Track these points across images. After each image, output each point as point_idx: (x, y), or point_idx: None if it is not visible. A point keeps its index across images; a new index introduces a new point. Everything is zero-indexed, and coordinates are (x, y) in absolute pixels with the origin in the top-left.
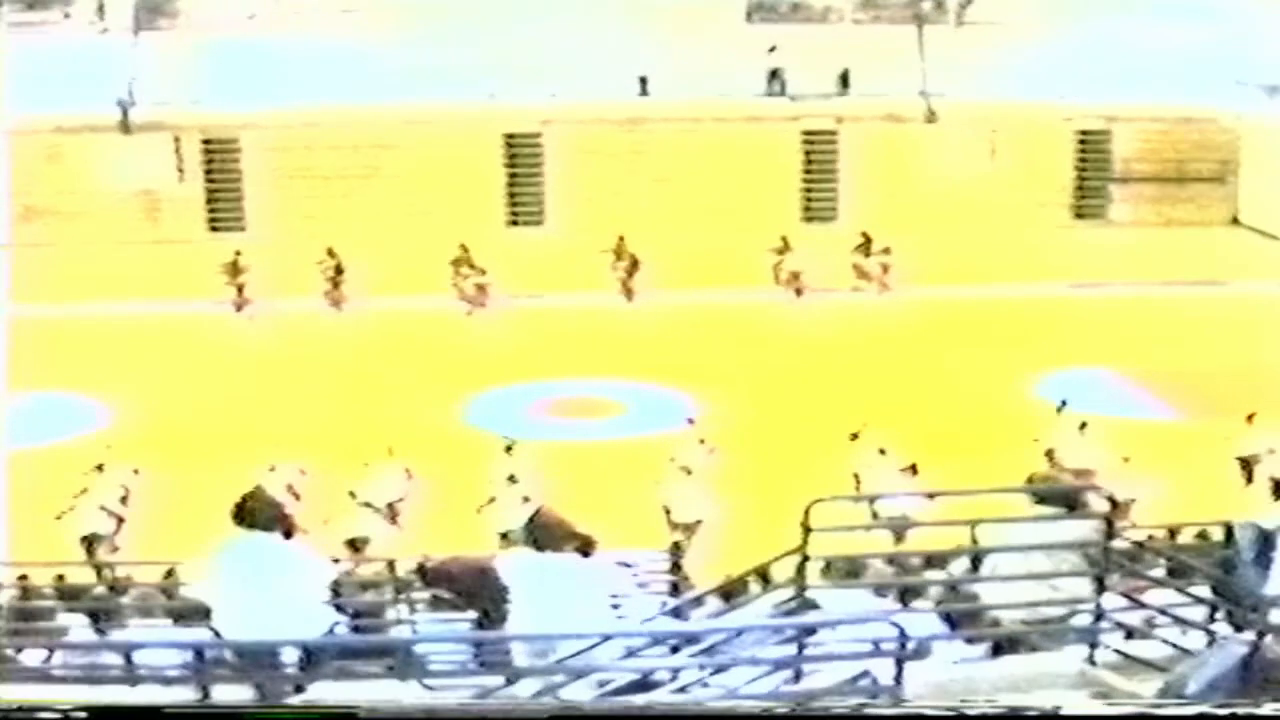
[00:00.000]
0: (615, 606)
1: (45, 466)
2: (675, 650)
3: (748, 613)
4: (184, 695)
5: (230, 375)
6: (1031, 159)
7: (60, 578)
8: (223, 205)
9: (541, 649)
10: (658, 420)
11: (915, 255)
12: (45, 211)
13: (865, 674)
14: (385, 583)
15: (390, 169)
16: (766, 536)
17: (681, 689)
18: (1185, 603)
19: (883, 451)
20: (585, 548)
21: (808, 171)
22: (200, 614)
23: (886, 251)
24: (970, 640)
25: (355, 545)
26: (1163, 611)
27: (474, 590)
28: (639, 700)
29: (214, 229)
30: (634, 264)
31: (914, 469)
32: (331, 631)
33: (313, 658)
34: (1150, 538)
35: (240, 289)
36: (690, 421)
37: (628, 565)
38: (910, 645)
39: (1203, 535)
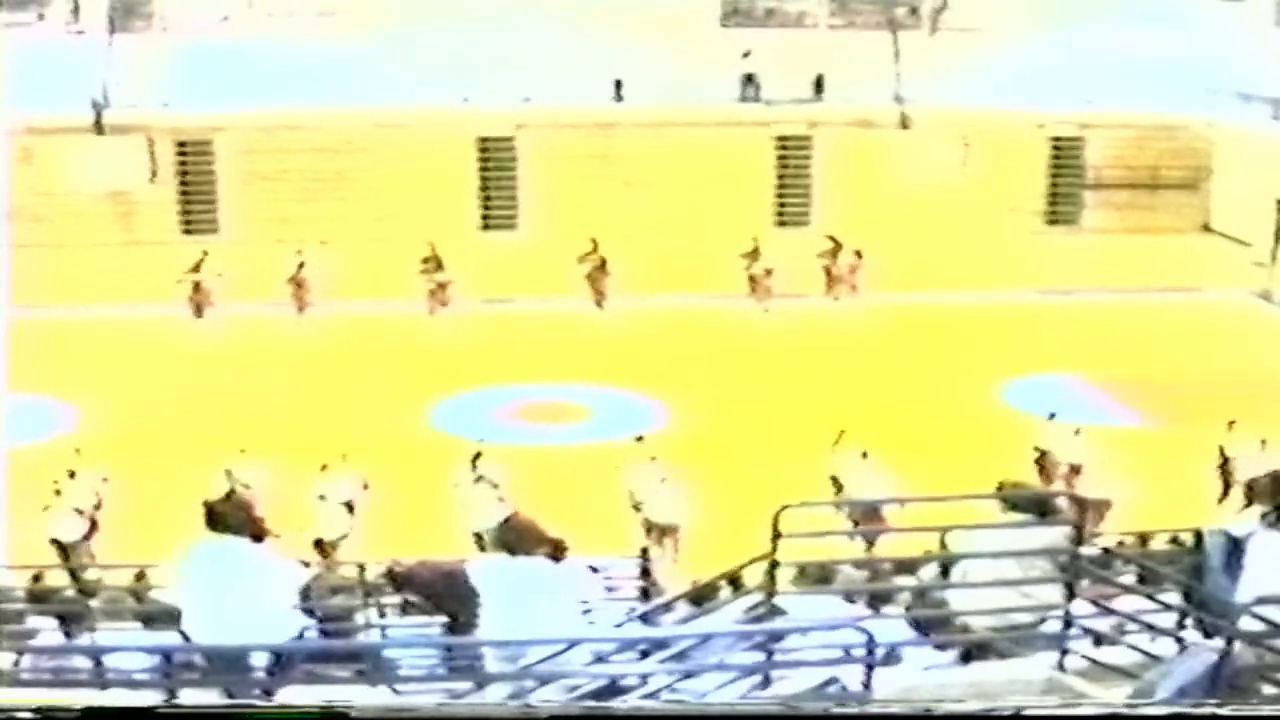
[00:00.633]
0: (586, 611)
1: (13, 470)
2: (645, 656)
3: (717, 618)
4: (153, 699)
5: (200, 379)
6: (1004, 165)
7: (38, 578)
8: (196, 207)
9: (511, 654)
10: (623, 426)
11: (888, 260)
12: (17, 213)
13: (834, 680)
14: (355, 587)
15: (364, 172)
16: (737, 541)
17: (651, 694)
18: (1155, 609)
19: (865, 455)
20: (556, 552)
21: (781, 176)
22: (170, 618)
23: (857, 255)
24: (940, 646)
25: (324, 548)
26: (1132, 618)
27: (444, 594)
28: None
29: (187, 231)
30: (602, 266)
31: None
32: (301, 636)
33: (282, 662)
34: (1120, 544)
35: (197, 287)
36: (639, 439)
37: (598, 570)
38: (879, 651)
39: (1175, 541)
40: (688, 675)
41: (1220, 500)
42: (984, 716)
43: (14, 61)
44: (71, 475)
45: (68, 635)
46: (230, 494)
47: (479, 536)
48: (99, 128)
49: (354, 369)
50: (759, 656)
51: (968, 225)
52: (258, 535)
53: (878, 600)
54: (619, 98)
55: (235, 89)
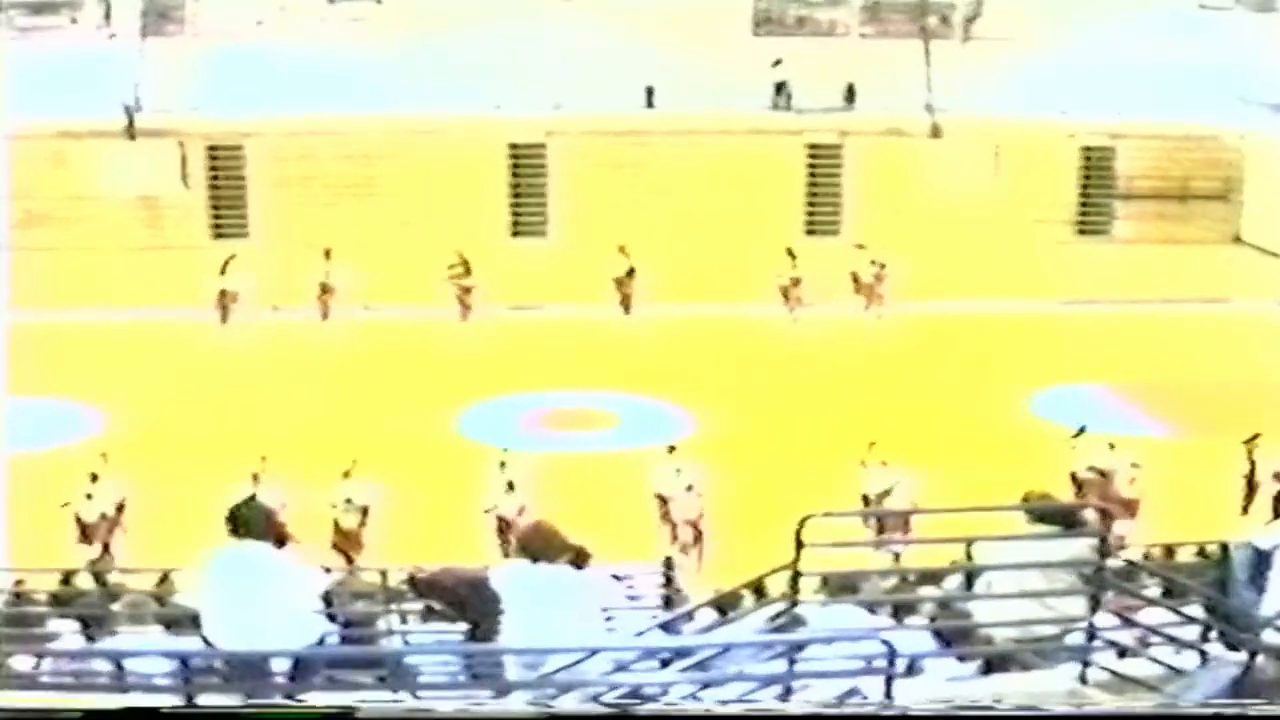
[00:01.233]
0: (608, 619)
1: (42, 472)
2: (666, 664)
3: (739, 627)
4: (174, 703)
5: (229, 383)
6: (1035, 175)
7: (66, 580)
8: (226, 212)
9: (532, 661)
10: (651, 434)
11: (917, 270)
12: (49, 216)
13: (854, 691)
14: (377, 593)
15: (395, 178)
16: (763, 550)
17: (671, 704)
18: (1179, 622)
19: (884, 464)
20: (579, 560)
21: (812, 185)
22: (192, 622)
23: (883, 265)
24: (962, 658)
25: (345, 546)
26: (1156, 631)
27: (466, 601)
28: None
29: (217, 236)
30: (630, 273)
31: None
32: (322, 641)
33: (303, 667)
34: (1146, 556)
35: (224, 292)
36: (671, 449)
37: (621, 578)
38: (900, 662)
39: (1202, 553)
40: (709, 684)
41: (1244, 510)
42: (1008, 717)
43: (46, 65)
44: (94, 479)
45: (89, 639)
46: (253, 499)
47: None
48: (131, 132)
49: (382, 375)
50: (781, 666)
51: (998, 235)
52: (280, 540)
53: (901, 611)
54: (650, 105)
55: (267, 94)
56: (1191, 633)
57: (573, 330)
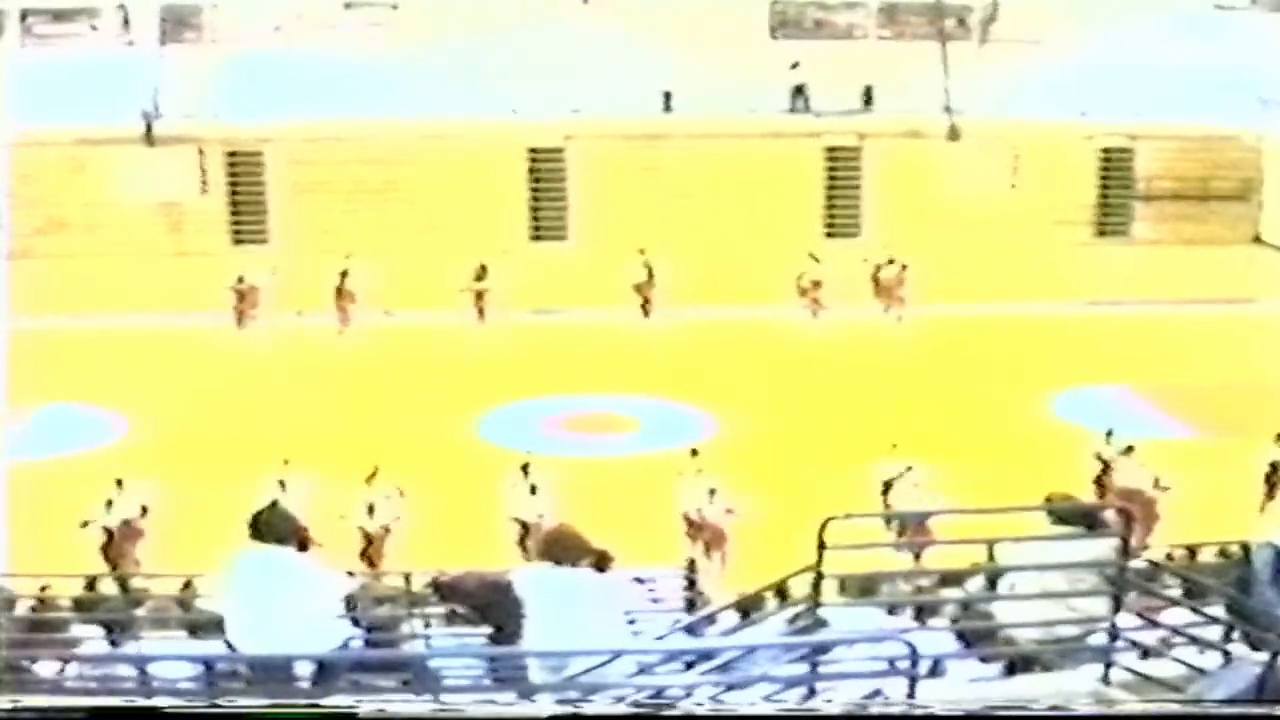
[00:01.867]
0: (631, 623)
1: (64, 478)
2: (689, 667)
3: (761, 630)
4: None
5: (250, 389)
6: (1054, 176)
7: (91, 585)
8: (246, 218)
9: (555, 664)
10: (672, 437)
11: (937, 272)
12: (69, 223)
13: (877, 693)
14: (400, 597)
15: (414, 183)
16: (786, 552)
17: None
18: (1201, 622)
19: (909, 468)
20: (601, 563)
21: (830, 188)
22: (216, 627)
23: (904, 267)
24: (984, 659)
25: (370, 558)
26: (1178, 631)
27: (488, 605)
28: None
29: (237, 242)
30: (650, 277)
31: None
32: (346, 646)
33: (326, 671)
34: (1168, 557)
35: (242, 297)
36: (694, 452)
37: (643, 581)
38: (923, 664)
39: (1224, 554)
40: (732, 687)
41: (1262, 509)
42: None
43: (66, 72)
44: (119, 484)
45: (113, 644)
46: (275, 504)
47: (523, 533)
48: (150, 139)
49: (403, 379)
50: (803, 668)
51: (1017, 236)
52: (303, 545)
53: (924, 612)
54: (668, 109)
55: (285, 100)
56: (1214, 633)
57: (593, 334)
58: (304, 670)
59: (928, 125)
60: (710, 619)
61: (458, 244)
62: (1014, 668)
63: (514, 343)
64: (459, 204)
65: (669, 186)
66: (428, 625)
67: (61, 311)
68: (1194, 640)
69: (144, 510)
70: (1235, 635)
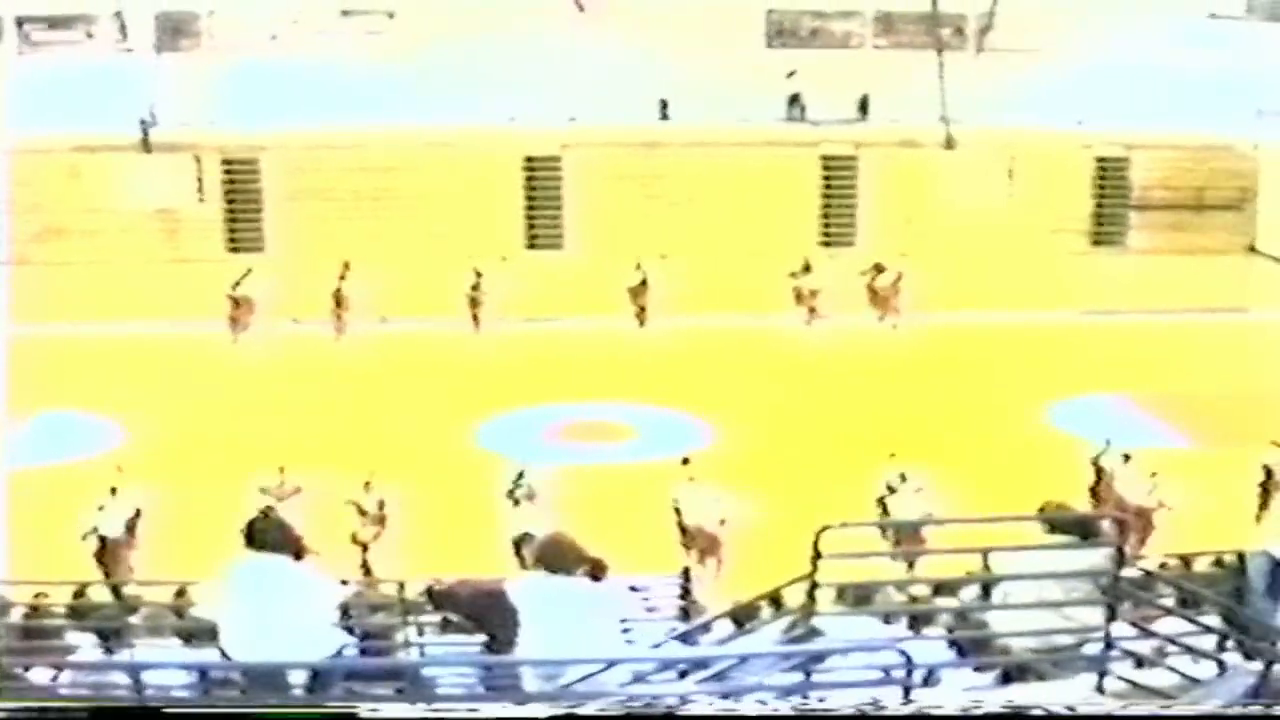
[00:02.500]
0: (625, 631)
1: (60, 485)
2: (683, 676)
3: (756, 639)
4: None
5: (246, 396)
6: (1050, 186)
7: (80, 594)
8: (242, 225)
9: (550, 673)
10: (669, 445)
11: (933, 280)
12: (65, 230)
13: (873, 702)
14: (395, 605)
15: (410, 191)
16: (782, 561)
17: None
18: (1196, 631)
19: (903, 477)
20: (596, 571)
21: (826, 196)
22: (210, 634)
23: (899, 276)
24: (979, 668)
25: (365, 565)
26: (1173, 640)
27: (483, 613)
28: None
29: (233, 249)
30: (644, 284)
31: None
32: (340, 653)
33: (320, 679)
34: (1163, 566)
35: (238, 304)
36: (685, 461)
37: (638, 589)
38: (918, 673)
39: (1219, 563)
40: (726, 696)
41: (1258, 519)
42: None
43: (62, 79)
44: (113, 492)
45: (107, 651)
46: (269, 512)
47: (517, 544)
48: (146, 146)
49: (400, 387)
50: (798, 677)
51: (1013, 245)
52: (297, 553)
53: (918, 621)
54: (665, 117)
55: (282, 108)
56: (1208, 642)
57: (589, 342)
58: (298, 678)
59: (924, 134)
60: (705, 628)
61: (454, 252)
62: (1009, 677)
63: (510, 351)
64: (455, 212)
65: (665, 195)
66: (422, 633)
67: (58, 318)
68: (1189, 650)
69: (138, 517)
70: (1230, 644)
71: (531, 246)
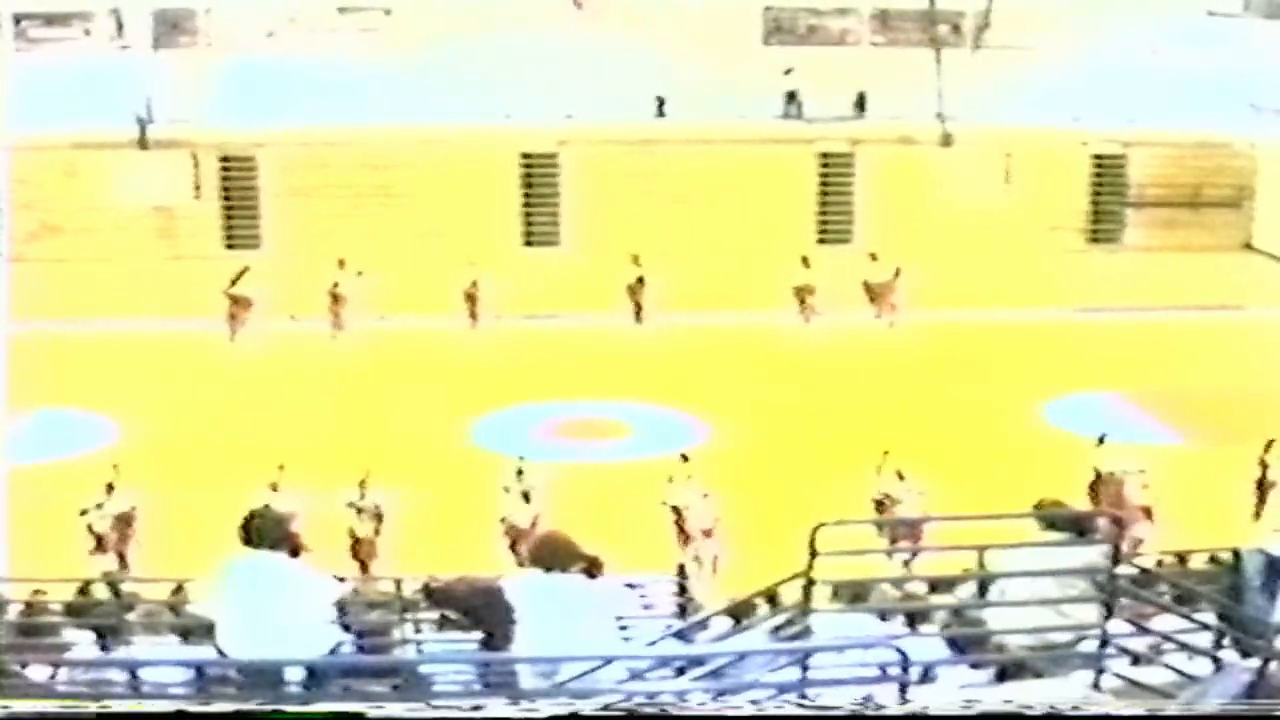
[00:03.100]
0: (622, 628)
1: (55, 482)
2: (680, 673)
3: (752, 636)
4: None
5: (241, 394)
6: (1047, 183)
7: (84, 590)
8: (239, 223)
9: (546, 670)
10: (665, 442)
11: (930, 278)
12: (62, 227)
13: (868, 699)
14: (391, 602)
15: (407, 188)
16: (778, 558)
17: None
18: (1192, 629)
19: (901, 476)
20: (592, 569)
21: (823, 194)
22: (207, 632)
23: (897, 273)
24: (975, 665)
25: (362, 563)
26: (1169, 638)
27: (480, 611)
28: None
29: (230, 246)
30: (641, 281)
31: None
32: (336, 651)
33: (317, 677)
34: (1159, 563)
35: (235, 301)
36: (684, 457)
37: (634, 587)
38: (914, 670)
39: (1215, 560)
40: (722, 693)
41: (1255, 517)
42: (1026, 716)
43: (59, 76)
44: (110, 489)
45: (104, 648)
46: (266, 509)
47: (514, 538)
48: (143, 143)
49: (396, 384)
50: (795, 675)
51: (1010, 243)
52: (294, 550)
53: (914, 619)
54: (662, 114)
55: (279, 105)
56: (1205, 639)
57: (586, 339)
58: (295, 675)
59: (920, 131)
60: (702, 625)
61: (451, 249)
62: (1005, 674)
63: (507, 348)
64: (452, 209)
65: (662, 192)
66: (419, 631)
67: (55, 316)
68: (1185, 647)
69: (133, 514)
70: (1226, 642)
71: (528, 244)
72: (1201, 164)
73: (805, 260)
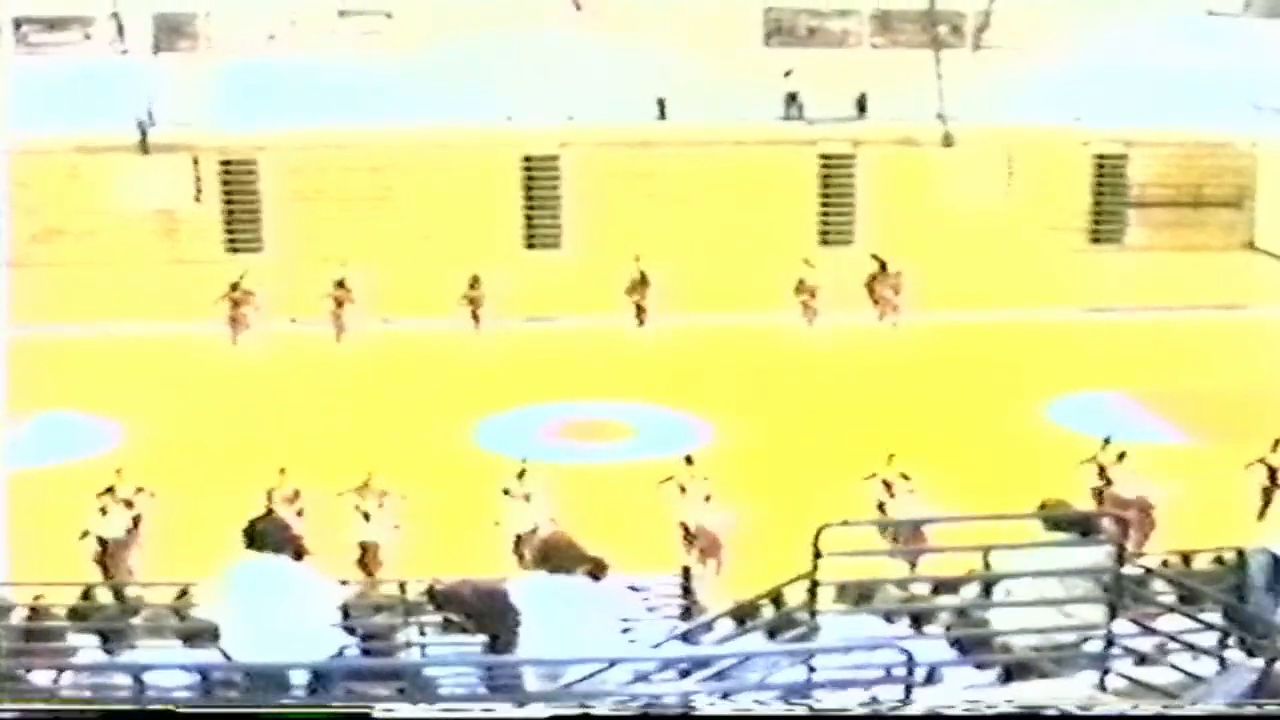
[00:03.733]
0: (627, 630)
1: (59, 486)
2: (685, 675)
3: (757, 637)
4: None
5: (244, 397)
6: (1048, 183)
7: (87, 595)
8: (240, 226)
9: (551, 673)
10: (668, 444)
11: (931, 279)
12: (64, 231)
13: (874, 700)
14: (396, 605)
15: (408, 191)
16: (783, 560)
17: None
18: (1197, 629)
19: (905, 477)
20: (596, 571)
21: (825, 195)
22: (211, 635)
23: (899, 274)
24: (980, 666)
25: (366, 564)
26: (1174, 638)
27: (484, 613)
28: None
29: (231, 250)
30: (643, 281)
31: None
32: (341, 654)
33: (322, 680)
34: (1164, 563)
35: (236, 304)
36: (689, 459)
37: (639, 589)
38: (919, 671)
39: (1219, 560)
40: (727, 694)
41: (1260, 517)
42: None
43: (60, 80)
44: (110, 491)
45: (108, 652)
46: (270, 512)
47: (518, 541)
48: (144, 146)
49: (399, 387)
50: (800, 676)
51: (1011, 243)
52: (298, 554)
53: (919, 620)
54: (663, 116)
55: (280, 108)
56: (1209, 639)
57: (588, 341)
58: (300, 679)
59: (922, 132)
60: (706, 626)
61: (452, 251)
62: (1010, 675)
63: (510, 350)
64: (454, 211)
65: (663, 194)
66: (423, 633)
67: (57, 319)
68: (1190, 647)
69: (138, 518)
70: (1231, 641)
71: (530, 246)
72: (1203, 164)
73: (808, 261)
